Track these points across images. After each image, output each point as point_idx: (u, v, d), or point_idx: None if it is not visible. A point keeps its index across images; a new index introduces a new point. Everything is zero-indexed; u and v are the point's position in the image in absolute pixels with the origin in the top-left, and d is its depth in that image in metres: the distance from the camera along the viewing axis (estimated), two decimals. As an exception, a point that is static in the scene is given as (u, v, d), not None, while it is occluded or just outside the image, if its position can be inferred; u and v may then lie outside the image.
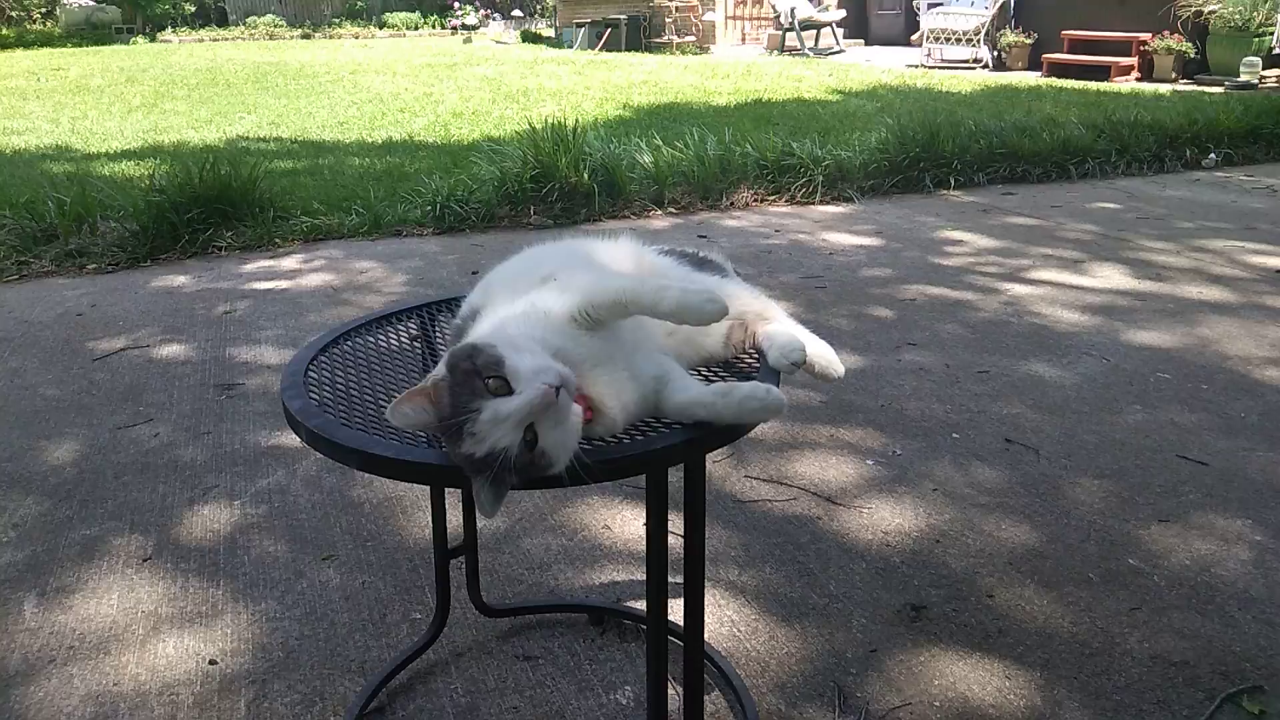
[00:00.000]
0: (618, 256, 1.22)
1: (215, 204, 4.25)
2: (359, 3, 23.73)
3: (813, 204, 4.86)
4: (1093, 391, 2.56)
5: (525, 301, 1.05)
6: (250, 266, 3.91)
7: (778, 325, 1.22)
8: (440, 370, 0.96)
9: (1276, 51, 9.07)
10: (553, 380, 0.89)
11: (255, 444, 2.36)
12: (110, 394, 2.68)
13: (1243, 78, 8.83)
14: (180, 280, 3.76)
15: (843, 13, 13.99)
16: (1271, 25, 8.98)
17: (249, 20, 22.34)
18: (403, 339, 1.42)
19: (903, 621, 1.65)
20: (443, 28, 22.74)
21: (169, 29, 21.15)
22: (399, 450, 1.06)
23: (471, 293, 1.19)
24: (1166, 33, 9.55)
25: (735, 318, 1.21)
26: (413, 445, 1.08)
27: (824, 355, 1.21)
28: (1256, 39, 8.97)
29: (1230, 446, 2.24)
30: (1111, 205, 4.76)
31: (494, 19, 22.88)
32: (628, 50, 14.26)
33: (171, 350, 3.01)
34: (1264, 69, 8.89)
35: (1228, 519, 1.95)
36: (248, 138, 6.98)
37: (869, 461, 2.22)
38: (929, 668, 1.54)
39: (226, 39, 20.63)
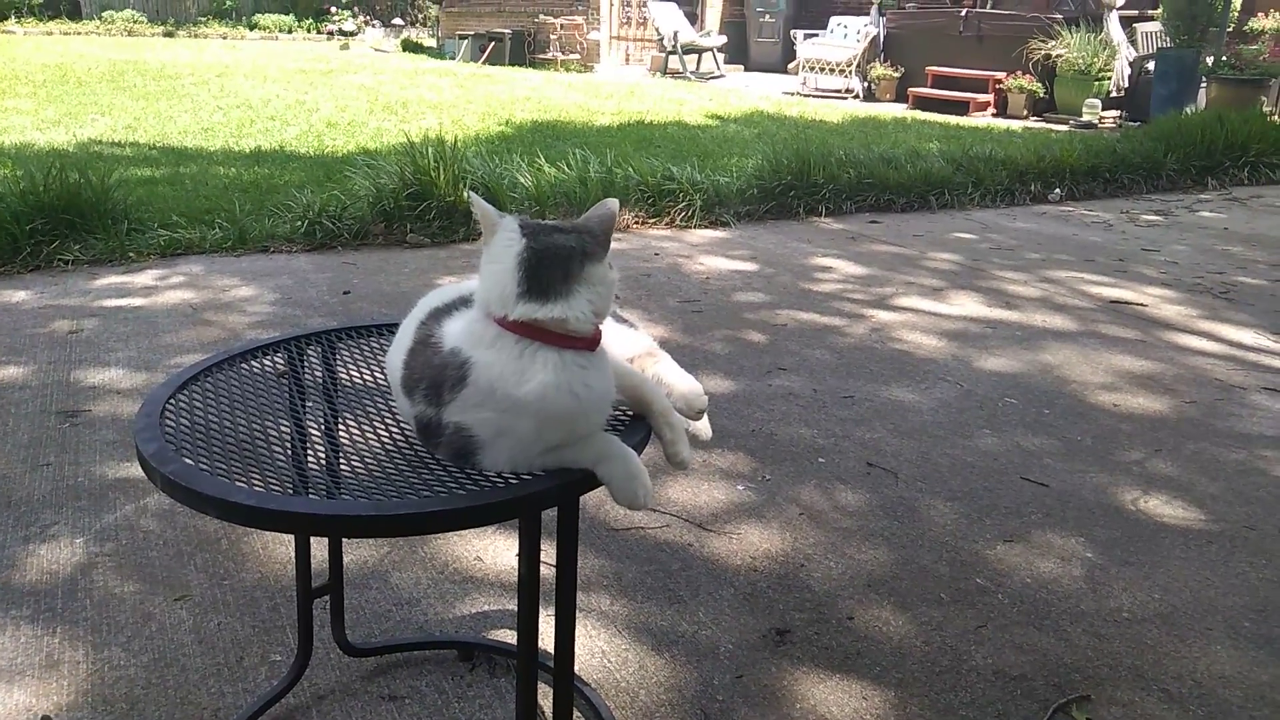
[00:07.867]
0: None
1: (62, 214, 3.97)
2: (227, 2, 22.73)
3: (691, 228, 4.96)
4: (947, 416, 2.71)
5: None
6: (101, 282, 3.68)
7: (666, 367, 1.27)
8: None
9: (1114, 95, 9.92)
10: None
11: (102, 476, 2.22)
12: (-65, 421, 2.46)
13: (1085, 117, 9.59)
14: (20, 296, 3.50)
15: (724, 38, 14.38)
16: (1110, 70, 9.80)
17: (105, 14, 21.06)
18: (268, 372, 1.37)
19: (768, 646, 1.70)
20: (318, 32, 22.04)
21: (12, 18, 19.69)
22: (261, 499, 1.02)
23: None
24: (1020, 73, 10.25)
25: (628, 358, 1.26)
26: (277, 493, 1.04)
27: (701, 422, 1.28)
28: (1097, 82, 9.77)
29: (1068, 468, 2.42)
30: (968, 235, 5.06)
31: (373, 25, 22.36)
32: (511, 65, 14.21)
33: (8, 373, 2.79)
34: (1103, 110, 9.69)
35: (1064, 538, 2.10)
36: (101, 141, 6.57)
37: (739, 486, 2.28)
38: (791, 691, 1.60)
39: (79, 33, 19.38)
